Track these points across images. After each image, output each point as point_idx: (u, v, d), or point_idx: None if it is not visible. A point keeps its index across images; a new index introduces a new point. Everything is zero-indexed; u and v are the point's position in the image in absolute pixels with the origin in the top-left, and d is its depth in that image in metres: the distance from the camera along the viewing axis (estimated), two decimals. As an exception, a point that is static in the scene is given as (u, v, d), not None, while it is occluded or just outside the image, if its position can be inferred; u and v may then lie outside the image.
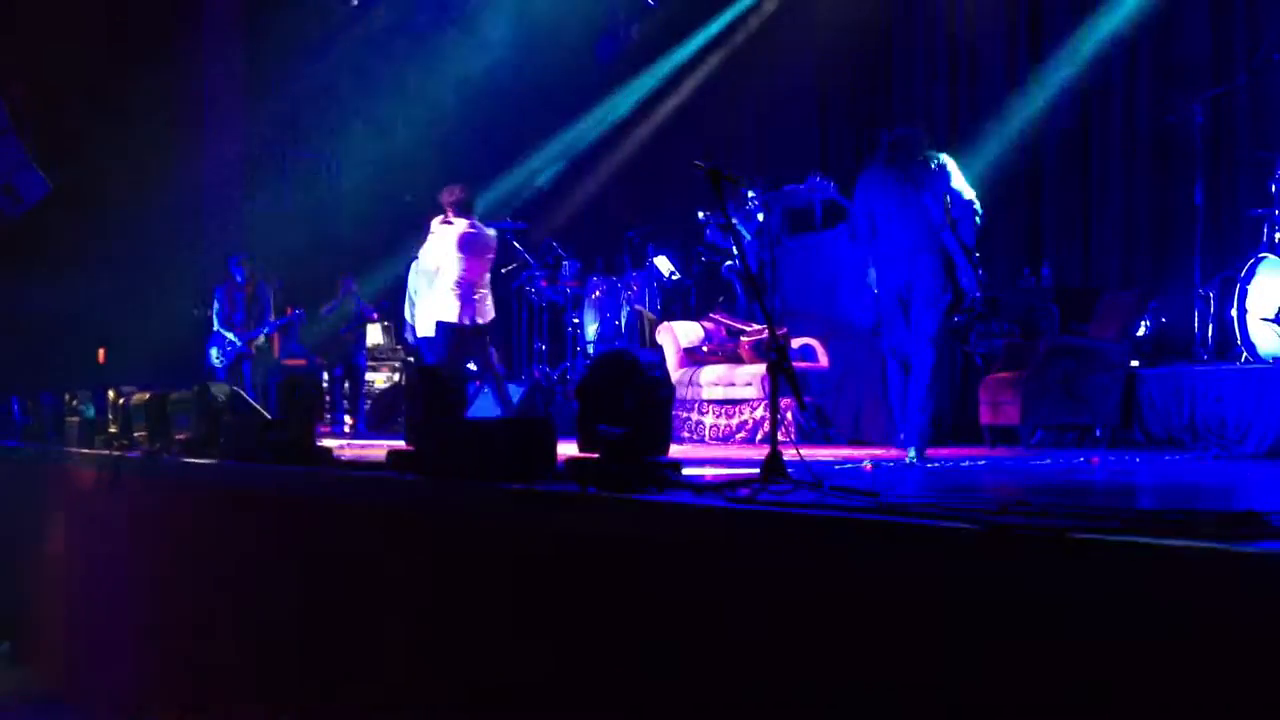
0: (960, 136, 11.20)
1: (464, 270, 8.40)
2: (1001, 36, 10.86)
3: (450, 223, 8.47)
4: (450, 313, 8.39)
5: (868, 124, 11.50)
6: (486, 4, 13.89)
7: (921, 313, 6.37)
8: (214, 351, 11.36)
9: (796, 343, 9.49)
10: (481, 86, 14.15)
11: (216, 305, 11.45)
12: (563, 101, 14.26)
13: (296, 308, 11.88)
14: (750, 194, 9.98)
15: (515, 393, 10.30)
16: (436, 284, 8.46)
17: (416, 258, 9.01)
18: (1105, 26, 9.80)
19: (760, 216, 9.97)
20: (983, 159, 10.86)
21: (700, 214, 11.13)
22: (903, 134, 6.69)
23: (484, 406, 9.30)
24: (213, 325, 11.46)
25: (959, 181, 6.44)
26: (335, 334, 12.65)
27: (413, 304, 9.27)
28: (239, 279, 11.48)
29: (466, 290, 8.41)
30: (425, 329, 8.66)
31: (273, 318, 11.56)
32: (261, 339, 11.50)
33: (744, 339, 9.82)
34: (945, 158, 6.53)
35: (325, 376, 12.23)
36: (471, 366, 9.21)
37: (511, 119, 14.36)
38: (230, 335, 11.30)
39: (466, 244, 8.42)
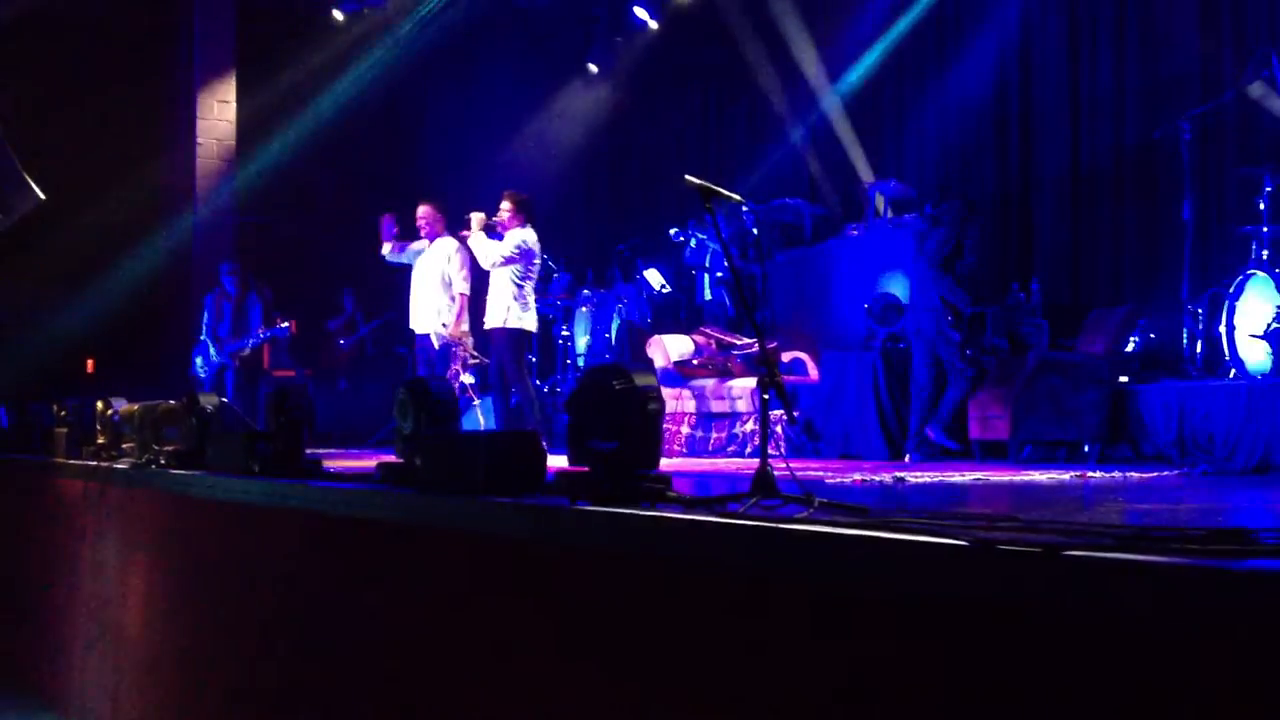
0: (952, 152, 11.25)
1: (530, 276, 8.53)
2: (993, 51, 10.91)
3: (516, 227, 8.64)
4: (529, 321, 8.66)
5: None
6: (477, 19, 13.91)
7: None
8: (199, 361, 11.18)
9: (787, 356, 9.52)
10: (472, 97, 14.18)
11: (205, 314, 11.26)
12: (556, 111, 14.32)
13: (286, 320, 11.78)
14: (744, 207, 10.02)
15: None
16: (503, 289, 8.54)
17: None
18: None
19: (754, 231, 10.02)
20: (973, 173, 10.91)
21: (673, 231, 11.22)
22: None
23: (472, 420, 9.29)
24: (200, 334, 11.27)
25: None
26: (335, 347, 12.68)
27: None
28: (229, 289, 11.26)
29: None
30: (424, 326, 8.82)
31: (261, 330, 11.28)
32: (247, 351, 11.30)
33: (734, 352, 9.84)
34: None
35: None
36: (468, 379, 9.22)
37: (504, 129, 14.37)
38: (212, 347, 11.14)
39: (533, 251, 8.59)
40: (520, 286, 8.59)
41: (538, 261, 8.77)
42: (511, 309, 8.54)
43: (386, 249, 9.38)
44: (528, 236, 8.63)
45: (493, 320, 8.63)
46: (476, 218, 8.69)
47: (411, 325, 9.36)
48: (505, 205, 8.65)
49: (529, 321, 8.69)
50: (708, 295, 11.21)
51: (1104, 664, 1.96)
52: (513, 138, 14.33)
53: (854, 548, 2.43)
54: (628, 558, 2.96)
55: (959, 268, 8.02)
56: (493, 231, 8.67)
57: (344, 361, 13.27)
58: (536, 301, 11.94)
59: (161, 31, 13.52)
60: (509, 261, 8.53)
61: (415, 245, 9.28)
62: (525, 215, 8.64)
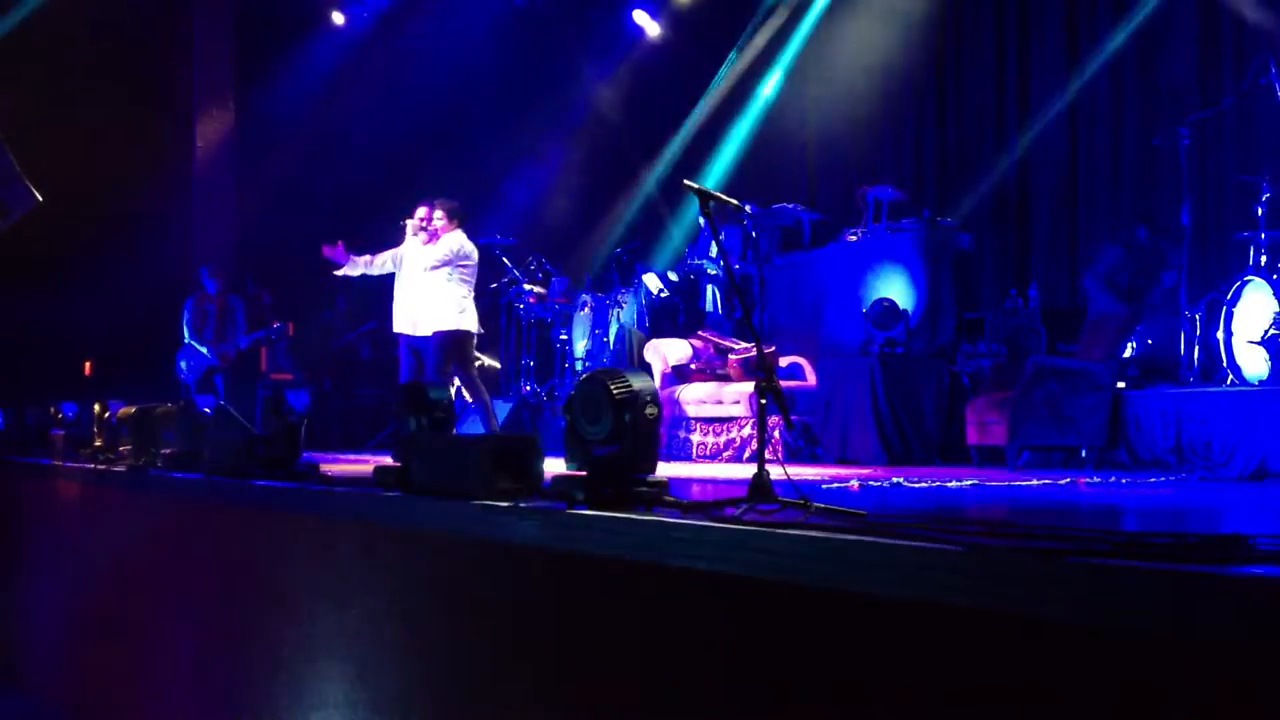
0: (949, 158, 11.25)
1: (467, 280, 8.66)
2: (991, 58, 10.92)
3: (449, 232, 8.70)
4: (474, 323, 8.70)
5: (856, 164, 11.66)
6: (477, 22, 13.92)
7: None
8: (184, 364, 11.06)
9: (784, 361, 9.51)
10: (472, 101, 14.20)
11: (186, 316, 11.10)
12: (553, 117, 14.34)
13: (279, 321, 11.73)
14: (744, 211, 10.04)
15: (502, 410, 10.28)
16: (446, 292, 8.61)
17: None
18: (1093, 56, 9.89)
19: (753, 235, 10.03)
20: (971, 180, 10.91)
21: (658, 282, 11.29)
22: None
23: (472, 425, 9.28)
24: (182, 337, 11.14)
25: None
26: (329, 351, 12.66)
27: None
28: (210, 290, 11.13)
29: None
30: (412, 328, 8.78)
31: (247, 332, 11.19)
32: (234, 353, 11.10)
33: (732, 357, 9.83)
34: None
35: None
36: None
37: (503, 133, 14.38)
38: (201, 348, 11.05)
39: (468, 253, 8.71)
40: (459, 288, 8.69)
41: (473, 263, 8.84)
42: (450, 311, 8.60)
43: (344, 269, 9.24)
44: (463, 240, 8.76)
45: (435, 324, 8.61)
46: (411, 224, 8.79)
47: (396, 327, 9.18)
48: (437, 214, 8.78)
49: (469, 322, 8.74)
50: (708, 306, 11.23)
51: (1101, 670, 1.96)
52: (512, 141, 14.33)
53: (850, 553, 2.42)
54: (625, 562, 2.96)
55: (1154, 294, 8.18)
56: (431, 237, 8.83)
57: (334, 365, 13.25)
58: (534, 305, 12.00)
59: (161, 35, 13.51)
60: (444, 264, 8.63)
61: (382, 255, 9.13)
62: (458, 221, 8.78)
